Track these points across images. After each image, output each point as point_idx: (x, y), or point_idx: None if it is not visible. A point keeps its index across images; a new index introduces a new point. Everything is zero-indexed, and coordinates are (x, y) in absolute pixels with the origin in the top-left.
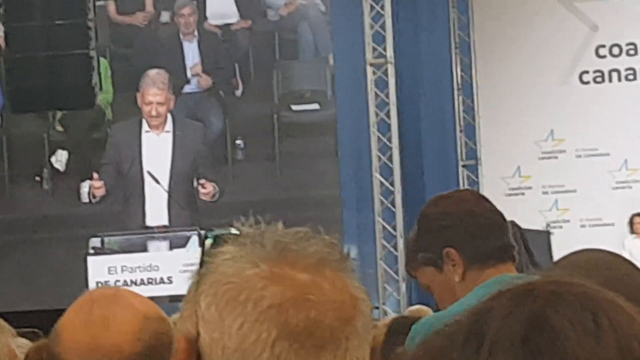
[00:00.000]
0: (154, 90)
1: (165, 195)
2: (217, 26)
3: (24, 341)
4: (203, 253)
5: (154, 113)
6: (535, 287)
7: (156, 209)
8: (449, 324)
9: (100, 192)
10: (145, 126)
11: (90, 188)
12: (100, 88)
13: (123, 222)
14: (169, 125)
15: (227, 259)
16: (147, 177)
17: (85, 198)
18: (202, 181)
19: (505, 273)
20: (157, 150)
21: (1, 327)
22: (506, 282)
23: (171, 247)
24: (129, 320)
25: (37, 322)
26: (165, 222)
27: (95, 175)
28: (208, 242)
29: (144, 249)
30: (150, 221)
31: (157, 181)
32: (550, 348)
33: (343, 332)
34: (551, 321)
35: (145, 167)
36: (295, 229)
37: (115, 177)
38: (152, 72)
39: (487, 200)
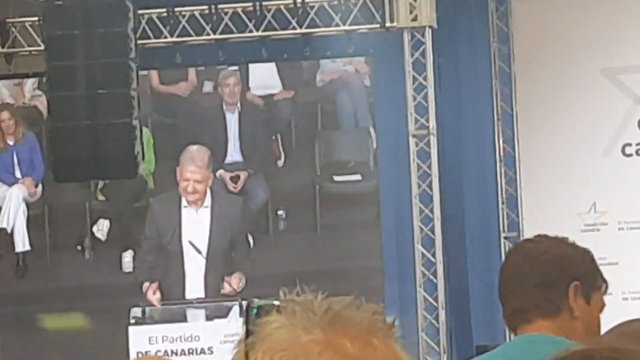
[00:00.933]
0: (192, 167)
1: (204, 270)
2: (259, 96)
3: None
4: (247, 322)
5: (190, 189)
6: (593, 353)
7: (195, 282)
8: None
9: (156, 293)
10: (184, 201)
11: (145, 290)
12: (143, 157)
13: (164, 294)
14: (207, 201)
15: (278, 327)
16: (186, 250)
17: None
18: (226, 279)
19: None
20: (195, 225)
21: None
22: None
23: (209, 318)
24: None
25: None
26: (202, 294)
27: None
28: (252, 312)
29: (184, 320)
30: (189, 294)
31: (198, 250)
32: None
33: None
34: None
35: (184, 241)
36: (341, 297)
37: (156, 250)
38: (193, 149)
39: None
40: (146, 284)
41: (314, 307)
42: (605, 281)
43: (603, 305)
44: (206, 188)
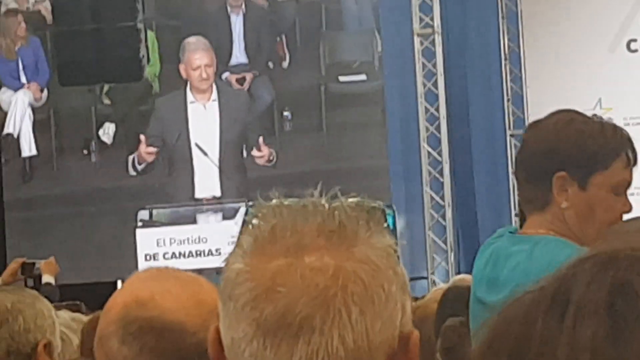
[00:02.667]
0: (199, 53)
1: (215, 168)
2: None
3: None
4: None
5: (204, 75)
6: (618, 252)
7: (206, 181)
8: (530, 290)
9: (150, 158)
10: (190, 97)
11: (137, 155)
12: (148, 61)
13: (171, 195)
14: (214, 95)
15: (236, 250)
16: (195, 149)
17: (132, 170)
18: (258, 145)
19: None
20: (204, 121)
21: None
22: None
23: (223, 219)
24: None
25: (85, 295)
26: (217, 193)
27: (142, 139)
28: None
29: (193, 221)
30: (199, 193)
31: (205, 153)
32: (635, 314)
33: (318, 315)
34: (635, 287)
35: (193, 139)
36: (308, 201)
37: (162, 149)
38: (192, 39)
39: None
40: (142, 149)
41: (263, 223)
42: (623, 153)
43: (620, 181)
44: (214, 74)
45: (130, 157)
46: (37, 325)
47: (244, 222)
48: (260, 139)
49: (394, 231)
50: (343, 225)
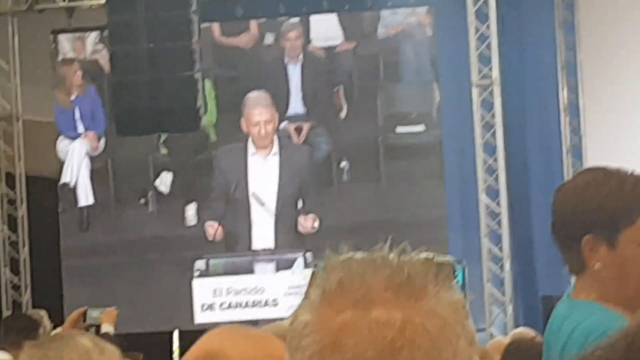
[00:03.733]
0: (259, 109)
1: (272, 219)
2: (321, 48)
3: None
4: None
5: (262, 133)
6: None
7: (262, 232)
8: (602, 347)
9: (217, 235)
10: (251, 149)
11: (206, 227)
12: (205, 110)
13: (229, 245)
14: (275, 148)
15: (303, 302)
16: (253, 201)
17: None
18: (302, 217)
19: None
20: (263, 174)
21: (105, 346)
22: None
23: (277, 270)
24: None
25: (142, 345)
26: (271, 244)
27: (205, 211)
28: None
29: (250, 272)
30: (256, 244)
31: (262, 203)
32: None
33: None
34: None
35: (252, 190)
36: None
37: (224, 201)
38: (253, 94)
39: None
40: (209, 222)
41: (329, 278)
42: None
43: None
44: (275, 130)
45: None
46: None
47: (312, 274)
48: (309, 201)
49: (463, 286)
50: (411, 278)
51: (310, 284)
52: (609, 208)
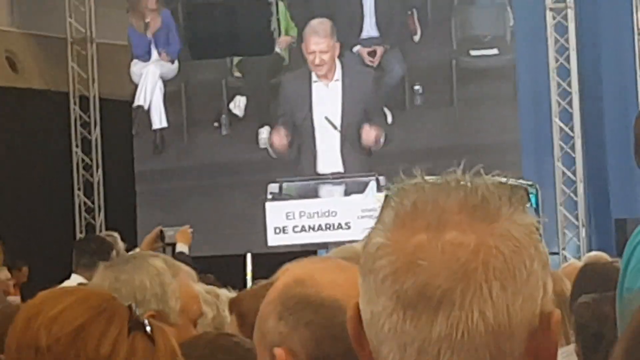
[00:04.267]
0: (316, 39)
1: (338, 143)
2: None
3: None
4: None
5: (317, 62)
6: None
7: (329, 157)
8: None
9: (282, 147)
10: (314, 76)
11: (271, 144)
12: (279, 34)
13: (297, 170)
14: (337, 74)
15: (377, 225)
16: (318, 125)
17: (263, 144)
18: (365, 127)
19: None
20: (327, 100)
21: (180, 268)
22: None
23: (347, 193)
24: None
25: (215, 267)
26: (340, 169)
27: (280, 131)
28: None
29: (322, 195)
30: (322, 169)
31: (334, 126)
32: None
33: (458, 289)
34: None
35: (316, 115)
36: (450, 177)
37: (291, 127)
38: (314, 22)
39: None
40: (274, 135)
41: (404, 199)
42: None
43: None
44: (333, 58)
45: (263, 135)
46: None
47: (386, 198)
48: (366, 127)
49: (536, 210)
50: (486, 201)
51: (383, 207)
52: None
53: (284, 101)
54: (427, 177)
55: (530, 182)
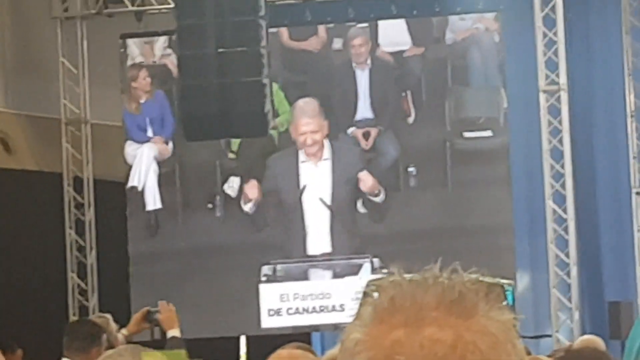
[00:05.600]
0: (306, 119)
1: (328, 223)
2: (389, 53)
3: None
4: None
5: (309, 142)
6: None
7: (318, 237)
8: None
9: (252, 195)
10: (302, 156)
11: (243, 195)
12: (273, 115)
13: (287, 252)
14: (327, 153)
15: (355, 321)
16: (307, 206)
17: (244, 209)
18: (361, 173)
19: None
20: (316, 180)
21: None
22: None
23: (336, 275)
24: None
25: (209, 349)
26: (328, 249)
27: (254, 182)
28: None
29: (315, 277)
30: (312, 250)
31: (327, 206)
32: None
33: None
34: None
35: (306, 196)
36: (428, 274)
37: (277, 206)
38: (300, 103)
39: None
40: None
41: (382, 295)
42: None
43: None
44: (323, 138)
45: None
46: None
47: (364, 294)
48: (363, 173)
49: (513, 307)
50: (463, 297)
51: (361, 304)
52: None
53: (271, 180)
54: (405, 275)
55: (507, 281)
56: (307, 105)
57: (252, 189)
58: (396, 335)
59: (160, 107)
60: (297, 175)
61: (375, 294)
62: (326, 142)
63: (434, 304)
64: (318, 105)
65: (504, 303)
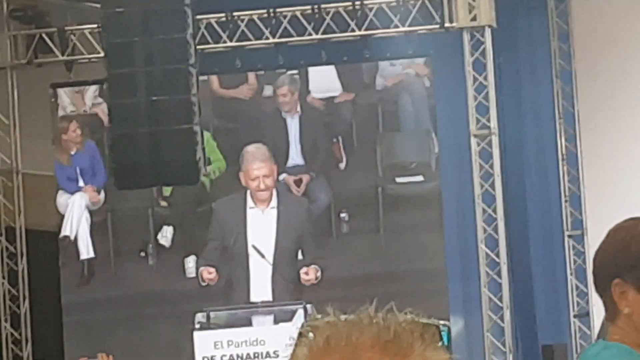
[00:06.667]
0: (258, 164)
1: (269, 271)
2: (320, 99)
3: None
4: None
5: (262, 186)
6: None
7: (260, 285)
8: None
9: (212, 280)
10: (250, 202)
11: (200, 274)
12: (205, 163)
13: (228, 298)
14: (274, 202)
15: None
16: (251, 253)
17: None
18: (304, 269)
19: None
20: (262, 226)
21: None
22: None
23: (276, 322)
24: None
25: None
26: (269, 297)
27: (203, 260)
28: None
29: (249, 324)
30: (254, 297)
31: (262, 255)
32: None
33: None
34: None
35: (250, 243)
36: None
37: (221, 252)
38: (251, 148)
39: None
40: (204, 268)
41: (317, 336)
42: None
43: None
44: (274, 183)
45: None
46: None
47: (299, 335)
48: (309, 258)
49: (448, 347)
50: (398, 337)
51: (296, 344)
52: (633, 252)
53: (216, 225)
54: (340, 316)
55: (442, 321)
56: (258, 150)
57: (209, 272)
58: None
59: (90, 157)
60: (245, 221)
61: (311, 335)
62: (274, 190)
63: (370, 343)
64: (267, 149)
65: (440, 343)
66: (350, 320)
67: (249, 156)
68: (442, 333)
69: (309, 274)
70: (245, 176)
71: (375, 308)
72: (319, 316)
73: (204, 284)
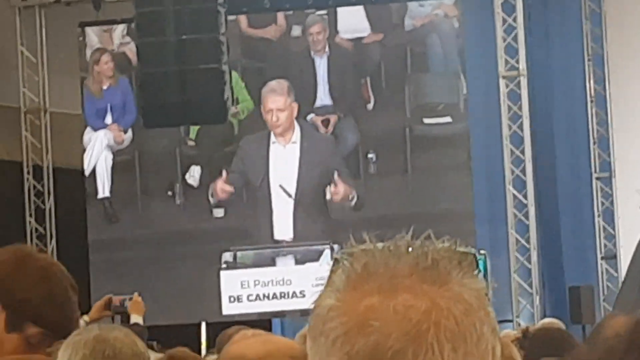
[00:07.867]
0: (273, 97)
1: (291, 210)
2: (348, 40)
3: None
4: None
5: (274, 119)
6: None
7: (284, 223)
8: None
9: (224, 196)
10: (272, 137)
11: (213, 190)
12: (233, 102)
13: (252, 237)
14: (296, 136)
15: (327, 288)
16: (274, 190)
17: (218, 214)
18: (331, 188)
19: None
20: (283, 162)
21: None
22: None
23: (298, 262)
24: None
25: (170, 336)
26: (290, 236)
27: (223, 175)
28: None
29: (276, 264)
30: (278, 235)
31: (289, 195)
32: None
33: (410, 350)
34: None
35: (273, 179)
36: (400, 242)
37: (243, 186)
38: (272, 82)
39: None
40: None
41: (354, 263)
42: None
43: None
44: (291, 118)
45: (209, 192)
46: None
47: (336, 262)
48: (336, 176)
49: (485, 276)
50: (436, 264)
51: (333, 271)
52: None
53: (239, 161)
54: (377, 243)
55: (479, 250)
56: (277, 84)
57: (223, 186)
58: (370, 302)
59: (122, 94)
60: (267, 157)
61: (346, 262)
62: (296, 125)
63: (408, 271)
64: (288, 85)
65: (477, 271)
66: (387, 248)
67: (267, 89)
68: (479, 262)
69: (339, 189)
70: (263, 109)
71: (412, 236)
72: (355, 244)
73: (213, 200)
